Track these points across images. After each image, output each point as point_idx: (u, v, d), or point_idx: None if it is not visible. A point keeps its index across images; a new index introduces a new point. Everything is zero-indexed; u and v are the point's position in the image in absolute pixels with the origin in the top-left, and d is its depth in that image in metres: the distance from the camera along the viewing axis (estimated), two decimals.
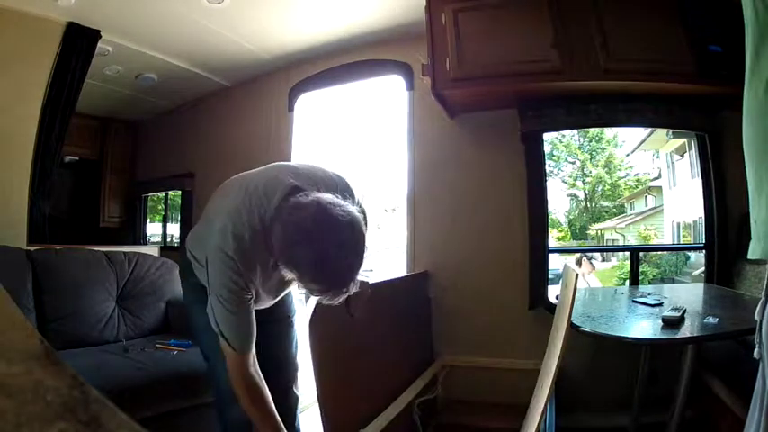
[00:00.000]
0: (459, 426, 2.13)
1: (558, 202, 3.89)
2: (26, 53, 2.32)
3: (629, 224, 3.92)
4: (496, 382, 2.23)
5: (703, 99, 2.08)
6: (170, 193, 4.02)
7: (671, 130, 2.94)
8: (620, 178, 3.91)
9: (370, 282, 1.42)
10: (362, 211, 1.11)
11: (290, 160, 2.70)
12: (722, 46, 1.83)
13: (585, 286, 2.91)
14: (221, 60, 2.92)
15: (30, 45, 2.32)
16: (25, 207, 2.38)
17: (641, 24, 1.93)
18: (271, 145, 2.95)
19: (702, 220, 2.28)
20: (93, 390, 0.28)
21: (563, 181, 3.88)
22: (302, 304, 1.89)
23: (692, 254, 3.27)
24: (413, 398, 1.80)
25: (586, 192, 3.96)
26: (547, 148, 2.48)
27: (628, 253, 2.73)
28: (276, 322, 1.44)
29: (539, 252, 2.28)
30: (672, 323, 1.38)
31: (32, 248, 2.18)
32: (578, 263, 3.06)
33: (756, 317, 0.82)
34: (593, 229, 3.99)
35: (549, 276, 2.33)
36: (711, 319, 1.39)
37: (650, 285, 2.82)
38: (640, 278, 2.55)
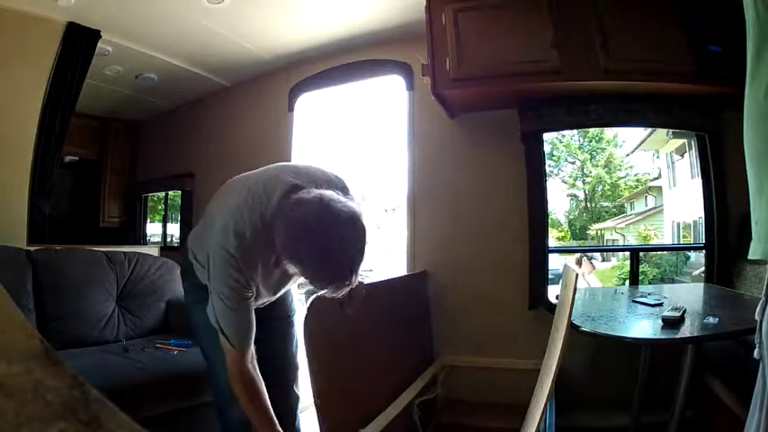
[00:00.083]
0: (459, 426, 2.14)
1: (558, 202, 3.89)
2: (26, 53, 2.32)
3: (629, 224, 3.92)
4: (496, 382, 2.23)
5: (703, 99, 2.08)
6: (170, 193, 4.01)
7: (671, 130, 2.94)
8: (620, 178, 3.91)
9: (366, 282, 1.43)
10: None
11: (290, 160, 2.70)
12: (722, 46, 1.83)
13: (585, 286, 2.91)
14: (221, 60, 2.92)
15: (30, 45, 2.32)
16: (25, 207, 2.38)
17: (641, 24, 1.93)
18: (271, 145, 2.95)
19: (702, 220, 2.28)
20: (93, 390, 0.28)
21: (563, 181, 3.88)
22: (302, 304, 1.89)
23: (692, 254, 3.27)
24: (413, 398, 1.80)
25: (586, 192, 3.96)
26: (547, 148, 2.48)
27: (628, 253, 2.73)
28: (276, 322, 1.45)
29: (539, 252, 2.28)
30: (672, 323, 1.38)
31: (32, 248, 2.18)
32: (578, 263, 3.06)
33: (756, 317, 0.82)
34: (593, 229, 3.99)
35: (549, 276, 2.33)
36: (711, 319, 1.39)
37: (650, 285, 2.82)
38: (640, 278, 2.55)
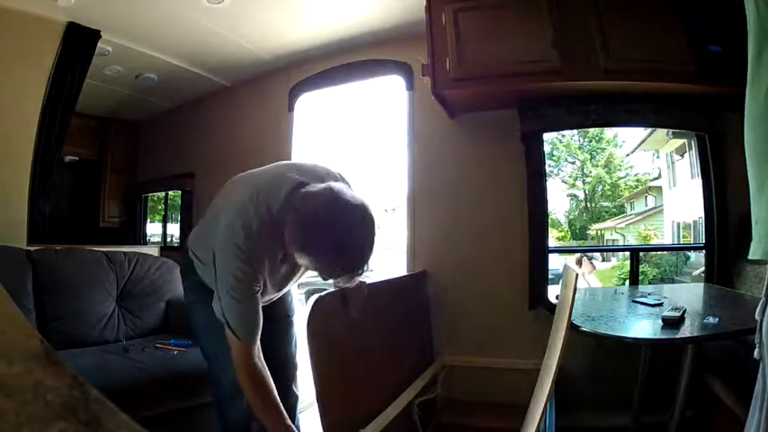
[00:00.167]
0: (459, 426, 2.14)
1: (558, 202, 3.90)
2: (26, 53, 2.32)
3: (629, 224, 3.93)
4: (496, 382, 2.23)
5: (703, 99, 2.08)
6: (170, 193, 4.01)
7: (671, 130, 2.94)
8: (620, 178, 3.92)
9: (367, 281, 1.43)
10: None
11: (290, 160, 2.70)
12: (722, 46, 1.83)
13: (585, 286, 2.91)
14: (221, 60, 2.92)
15: (30, 45, 2.32)
16: (25, 207, 2.38)
17: (641, 24, 1.93)
18: (271, 145, 2.94)
19: (702, 220, 2.28)
20: (93, 390, 0.28)
21: (563, 181, 3.89)
22: (302, 304, 1.89)
23: (692, 254, 3.28)
24: (413, 398, 1.80)
25: (586, 192, 3.96)
26: (547, 148, 2.49)
27: (628, 253, 2.73)
28: (276, 322, 1.45)
29: (539, 252, 2.28)
30: (672, 323, 1.38)
31: (32, 248, 2.18)
32: (579, 263, 3.06)
33: (756, 317, 0.82)
34: (593, 229, 4.00)
35: (549, 276, 2.33)
36: (711, 319, 1.39)
37: (650, 285, 2.82)
38: (640, 278, 2.55)
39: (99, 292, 2.19)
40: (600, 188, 3.93)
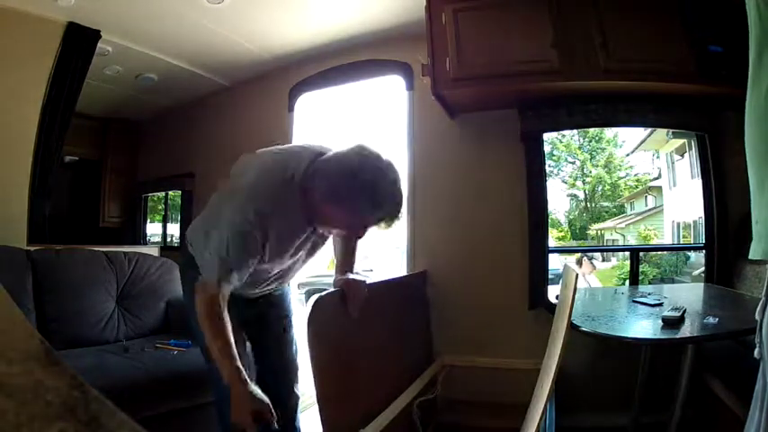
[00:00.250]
0: (459, 426, 2.13)
1: (558, 202, 3.90)
2: (26, 53, 2.32)
3: (629, 224, 3.92)
4: (496, 382, 2.23)
5: (703, 99, 2.08)
6: (170, 193, 4.02)
7: (671, 130, 2.94)
8: (620, 178, 3.92)
9: (368, 281, 1.43)
10: None
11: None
12: (722, 46, 1.83)
13: (585, 286, 2.91)
14: (221, 60, 2.92)
15: (30, 45, 2.32)
16: (25, 207, 2.38)
17: (641, 24, 1.93)
18: (271, 145, 2.93)
19: (702, 220, 2.28)
20: (93, 390, 0.28)
21: (563, 181, 3.88)
22: (302, 304, 1.90)
23: (692, 254, 3.27)
24: (412, 398, 1.80)
25: (586, 192, 3.96)
26: (547, 148, 2.48)
27: (628, 253, 2.73)
28: (275, 322, 1.45)
29: (539, 252, 2.28)
30: (672, 323, 1.38)
31: (32, 248, 2.18)
32: (579, 263, 3.06)
33: (756, 317, 0.82)
34: (593, 229, 3.99)
35: (549, 276, 2.33)
36: (711, 319, 1.39)
37: (650, 285, 2.82)
38: (640, 278, 2.55)
39: (99, 292, 2.19)
40: (600, 188, 3.93)
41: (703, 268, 2.32)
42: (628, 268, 2.54)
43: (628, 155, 3.86)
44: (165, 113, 3.79)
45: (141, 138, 4.07)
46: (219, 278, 1.11)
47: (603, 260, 3.80)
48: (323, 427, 1.23)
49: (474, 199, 2.41)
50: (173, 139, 3.75)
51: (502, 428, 1.87)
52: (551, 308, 2.03)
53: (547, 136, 2.47)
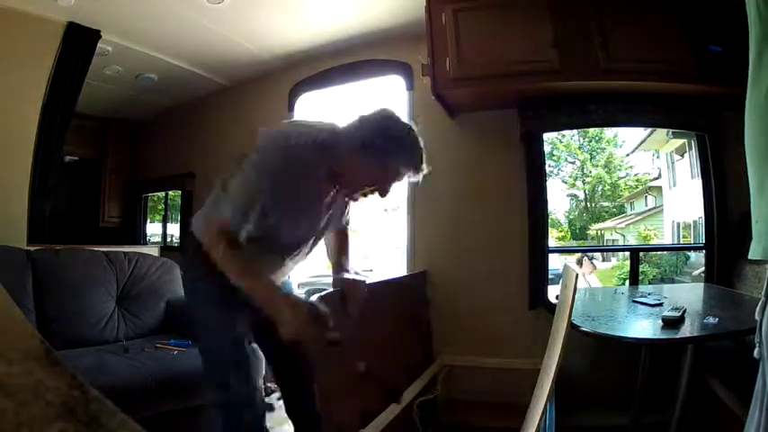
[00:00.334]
0: (459, 426, 2.13)
1: (558, 202, 3.90)
2: (26, 53, 2.32)
3: (629, 224, 3.92)
4: (496, 382, 2.23)
5: (703, 99, 2.08)
6: (170, 193, 4.02)
7: (671, 130, 2.94)
8: (620, 178, 3.92)
9: (368, 281, 1.42)
10: None
11: None
12: (722, 46, 1.83)
13: (585, 286, 2.91)
14: (221, 60, 2.92)
15: (30, 45, 2.32)
16: (25, 207, 2.38)
17: (641, 24, 1.93)
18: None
19: (702, 220, 2.28)
20: (93, 390, 0.28)
21: (563, 181, 3.88)
22: None
23: (692, 254, 3.27)
24: (413, 398, 1.80)
25: (586, 192, 3.96)
26: (547, 148, 2.49)
27: (628, 253, 2.73)
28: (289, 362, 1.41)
29: (539, 252, 2.28)
30: (672, 323, 1.38)
31: (32, 248, 2.18)
32: (579, 263, 3.06)
33: (756, 317, 0.82)
34: (593, 229, 3.99)
35: (549, 276, 2.33)
36: (711, 319, 1.39)
37: (650, 285, 2.82)
38: (640, 278, 2.55)
39: (99, 292, 2.19)
40: (600, 188, 3.93)
41: (703, 268, 2.32)
42: (628, 268, 2.54)
43: (628, 155, 3.86)
44: (165, 113, 3.79)
45: (141, 138, 4.07)
46: (233, 218, 1.09)
47: (603, 260, 3.80)
48: (323, 428, 1.23)
49: (474, 199, 2.41)
50: (173, 139, 3.75)
51: (502, 428, 1.87)
52: (551, 308, 2.03)
53: (547, 136, 2.47)
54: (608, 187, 3.93)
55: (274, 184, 1.12)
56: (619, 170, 3.88)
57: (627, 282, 2.60)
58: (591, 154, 3.90)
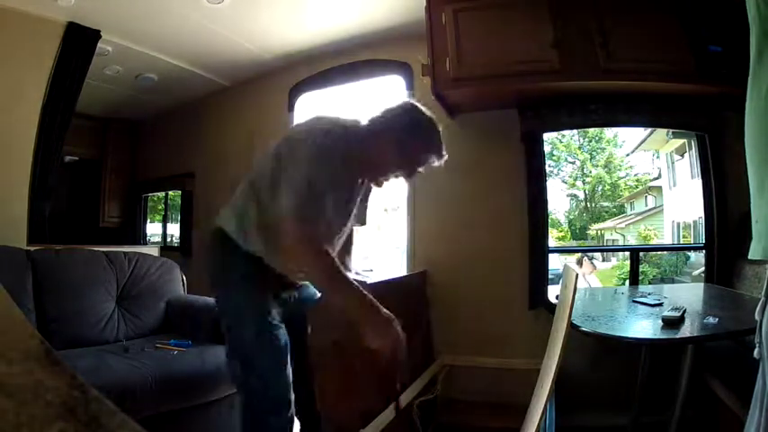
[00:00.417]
0: (459, 426, 2.13)
1: (558, 202, 3.89)
2: (26, 53, 2.32)
3: (629, 224, 3.92)
4: (496, 382, 2.23)
5: (703, 99, 2.08)
6: (170, 193, 4.02)
7: (671, 130, 2.94)
8: (620, 178, 3.91)
9: (368, 282, 1.42)
10: None
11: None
12: (722, 46, 1.83)
13: (585, 286, 2.91)
14: (221, 60, 2.92)
15: (30, 45, 2.32)
16: (25, 207, 2.38)
17: (641, 24, 1.93)
18: (270, 145, 2.94)
19: (702, 220, 2.28)
20: (93, 390, 0.28)
21: (563, 181, 3.88)
22: None
23: (692, 254, 3.27)
24: (413, 398, 1.80)
25: (586, 192, 3.96)
26: (547, 148, 2.49)
27: (628, 253, 2.73)
28: (302, 320, 1.40)
29: (539, 252, 2.28)
30: (672, 323, 1.38)
31: (32, 248, 2.18)
32: (579, 263, 3.06)
33: (756, 317, 0.82)
34: (593, 229, 3.99)
35: (549, 276, 2.33)
36: (711, 319, 1.39)
37: (650, 285, 2.82)
38: (640, 278, 2.55)
39: (99, 292, 2.19)
40: (600, 188, 3.93)
41: (703, 268, 2.32)
42: (628, 268, 2.54)
43: (628, 155, 3.86)
44: (165, 113, 3.79)
45: (141, 138, 4.07)
46: (311, 228, 1.10)
47: (603, 260, 3.80)
48: (323, 428, 1.23)
49: (474, 199, 2.41)
50: (173, 139, 3.75)
51: (502, 428, 1.87)
52: (551, 308, 2.03)
53: (547, 136, 2.47)
54: (608, 187, 3.93)
55: (327, 176, 1.14)
56: (619, 170, 3.88)
57: (627, 282, 2.60)
58: (591, 154, 3.90)
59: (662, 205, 3.65)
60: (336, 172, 1.16)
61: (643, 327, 1.51)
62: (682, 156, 3.31)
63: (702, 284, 2.26)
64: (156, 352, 1.97)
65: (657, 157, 3.62)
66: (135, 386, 1.65)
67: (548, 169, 2.42)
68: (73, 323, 2.04)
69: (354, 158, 1.21)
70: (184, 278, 2.53)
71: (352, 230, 1.44)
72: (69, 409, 0.26)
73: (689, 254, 3.38)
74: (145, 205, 4.15)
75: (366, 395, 1.52)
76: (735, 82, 0.93)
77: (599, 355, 2.09)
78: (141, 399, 1.65)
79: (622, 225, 3.94)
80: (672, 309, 1.46)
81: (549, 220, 2.49)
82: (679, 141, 3.20)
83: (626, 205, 3.95)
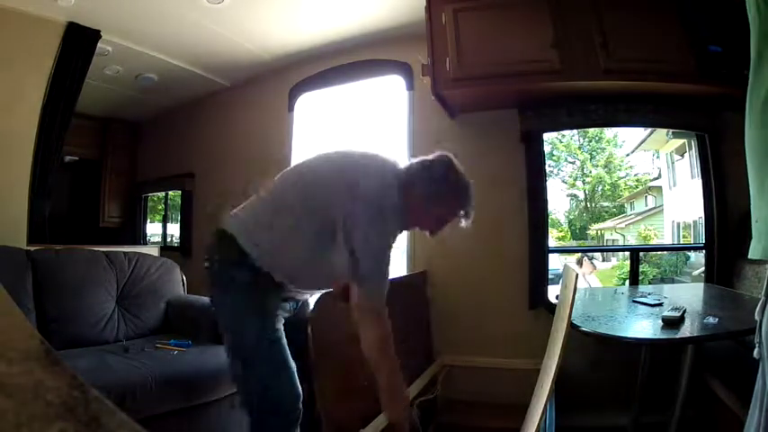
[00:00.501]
0: (459, 426, 2.13)
1: (558, 202, 3.89)
2: (26, 53, 2.32)
3: (629, 224, 3.92)
4: (496, 382, 2.23)
5: (703, 99, 2.08)
6: (170, 193, 4.02)
7: (671, 130, 2.94)
8: (620, 178, 3.91)
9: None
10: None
11: (289, 161, 2.68)
12: (722, 46, 1.83)
13: (585, 286, 2.91)
14: (221, 60, 2.92)
15: (30, 45, 2.32)
16: (25, 207, 2.38)
17: (641, 24, 1.93)
18: (271, 145, 2.94)
19: (702, 220, 2.28)
20: (93, 390, 0.28)
21: (563, 181, 3.88)
22: None
23: (692, 254, 3.27)
24: (413, 398, 1.80)
25: (586, 192, 3.96)
26: (547, 148, 2.49)
27: (628, 253, 2.73)
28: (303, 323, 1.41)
29: (539, 252, 2.28)
30: (672, 323, 1.38)
31: (32, 248, 2.18)
32: (579, 263, 3.06)
33: (756, 317, 0.82)
34: (593, 229, 3.99)
35: (549, 276, 2.33)
36: (711, 319, 1.39)
37: (650, 285, 2.82)
38: (640, 278, 2.55)
39: (99, 292, 2.19)
40: (600, 188, 3.93)
41: (703, 268, 2.32)
42: (628, 268, 2.54)
43: (628, 155, 3.86)
44: (165, 113, 3.79)
45: (141, 138, 4.07)
46: (381, 304, 1.18)
47: (603, 260, 3.80)
48: (323, 427, 1.23)
49: (474, 198, 2.40)
50: (173, 139, 3.75)
51: (502, 428, 1.87)
52: (551, 308, 2.03)
53: (547, 136, 2.47)
54: (608, 187, 3.93)
55: (395, 240, 1.27)
56: (619, 170, 3.88)
57: (627, 282, 2.60)
58: (591, 154, 3.90)
59: (662, 205, 3.65)
60: (397, 234, 1.29)
61: (643, 327, 1.51)
62: (682, 156, 3.31)
63: (702, 284, 2.26)
64: (156, 352, 1.97)
65: (657, 157, 3.62)
66: (135, 386, 1.65)
67: (548, 169, 2.42)
68: (73, 323, 2.04)
69: (403, 218, 1.29)
70: (184, 278, 2.53)
71: None
72: (69, 409, 0.26)
73: (689, 254, 3.38)
74: (145, 205, 4.15)
75: (366, 395, 1.52)
76: (735, 82, 0.93)
77: (599, 355, 2.09)
78: (141, 399, 1.65)
79: (622, 225, 3.94)
80: (672, 309, 1.46)
81: (549, 220, 2.49)
82: (679, 141, 3.20)
83: (626, 205, 3.95)
